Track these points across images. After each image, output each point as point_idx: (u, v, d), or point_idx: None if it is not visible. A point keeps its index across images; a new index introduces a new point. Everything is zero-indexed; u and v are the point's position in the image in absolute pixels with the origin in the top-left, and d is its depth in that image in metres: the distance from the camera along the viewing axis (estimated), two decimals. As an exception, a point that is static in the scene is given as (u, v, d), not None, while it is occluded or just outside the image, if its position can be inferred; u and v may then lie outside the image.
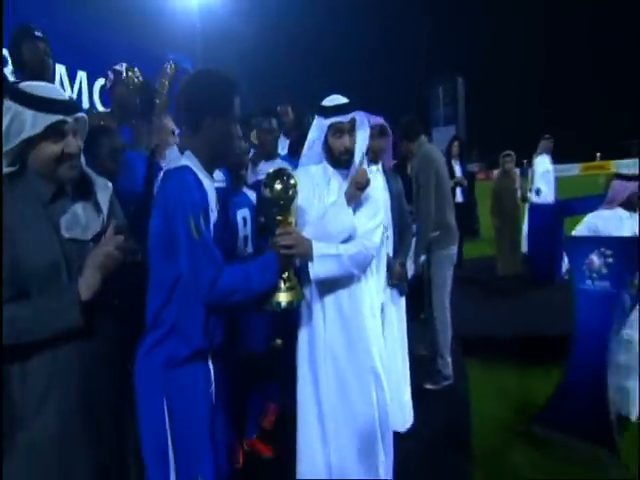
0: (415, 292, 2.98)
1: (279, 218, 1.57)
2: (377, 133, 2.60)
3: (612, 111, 60.87)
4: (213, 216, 1.48)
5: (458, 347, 3.76)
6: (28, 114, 1.23)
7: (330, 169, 1.89)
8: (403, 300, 2.72)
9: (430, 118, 11.71)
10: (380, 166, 2.70)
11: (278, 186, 1.52)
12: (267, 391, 2.53)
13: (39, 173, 1.30)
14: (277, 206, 1.56)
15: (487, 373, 3.48)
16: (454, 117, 10.94)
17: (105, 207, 1.43)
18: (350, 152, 1.84)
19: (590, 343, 2.47)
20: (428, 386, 3.20)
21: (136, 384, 1.44)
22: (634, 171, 3.94)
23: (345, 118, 1.79)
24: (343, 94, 1.88)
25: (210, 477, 1.46)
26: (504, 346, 3.69)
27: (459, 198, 5.75)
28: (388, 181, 2.68)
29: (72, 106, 1.33)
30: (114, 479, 1.40)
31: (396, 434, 2.11)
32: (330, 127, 1.82)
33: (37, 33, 2.21)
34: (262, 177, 1.68)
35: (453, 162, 5.82)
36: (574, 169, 29.61)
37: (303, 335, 1.90)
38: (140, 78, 2.26)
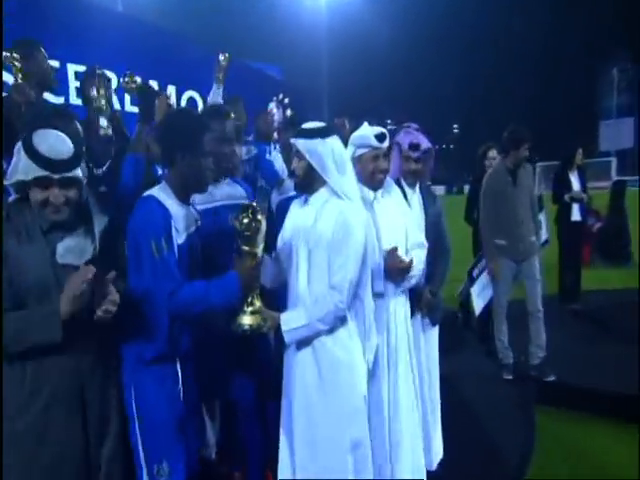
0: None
1: (245, 249, 1.76)
2: (424, 156, 2.65)
3: None
4: (180, 236, 1.82)
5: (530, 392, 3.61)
6: (26, 161, 1.52)
7: None
8: (435, 331, 2.70)
9: (601, 109, 10.47)
10: (417, 188, 2.72)
11: (245, 220, 1.73)
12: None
13: (36, 208, 1.57)
14: (243, 237, 1.76)
15: (567, 430, 3.18)
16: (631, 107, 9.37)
17: (97, 236, 1.68)
18: None
19: None
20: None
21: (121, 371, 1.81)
22: None
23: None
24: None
25: (176, 462, 1.81)
26: (602, 403, 3.32)
27: (576, 216, 5.33)
28: (424, 201, 2.68)
29: (64, 165, 1.55)
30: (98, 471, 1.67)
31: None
32: None
33: (98, 71, 2.77)
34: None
35: (570, 174, 5.40)
36: None
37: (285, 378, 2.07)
38: (137, 82, 2.54)
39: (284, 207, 2.35)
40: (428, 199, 2.75)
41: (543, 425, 3.25)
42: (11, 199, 1.63)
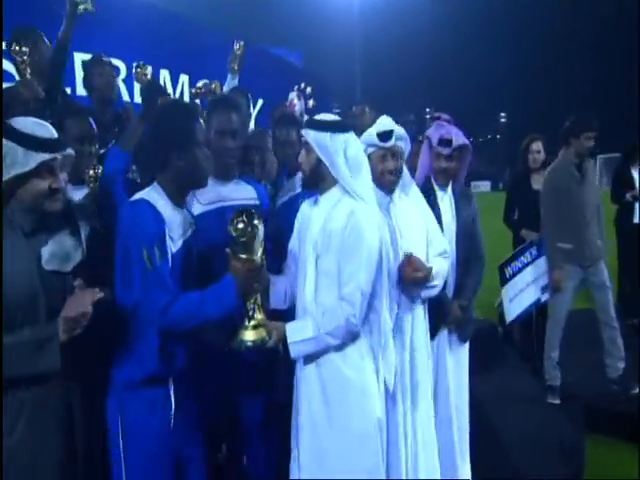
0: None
1: (242, 257, 1.68)
2: (458, 153, 2.49)
3: None
4: (175, 243, 1.71)
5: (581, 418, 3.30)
6: (20, 151, 1.43)
7: None
8: (465, 349, 2.54)
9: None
10: (450, 188, 2.56)
11: (240, 225, 1.65)
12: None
13: (25, 206, 1.48)
14: (239, 244, 1.68)
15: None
16: None
17: (84, 237, 1.62)
18: None
19: None
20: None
21: (106, 401, 1.70)
22: None
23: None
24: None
25: None
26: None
27: (638, 218, 4.90)
28: (457, 204, 2.52)
29: (60, 144, 1.53)
30: None
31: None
32: None
33: (105, 59, 2.74)
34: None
35: (632, 170, 4.98)
36: None
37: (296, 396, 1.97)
38: (148, 74, 2.49)
39: (288, 210, 2.26)
40: (461, 201, 2.57)
41: (595, 457, 2.98)
42: None
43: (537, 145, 4.15)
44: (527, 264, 3.69)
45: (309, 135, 1.87)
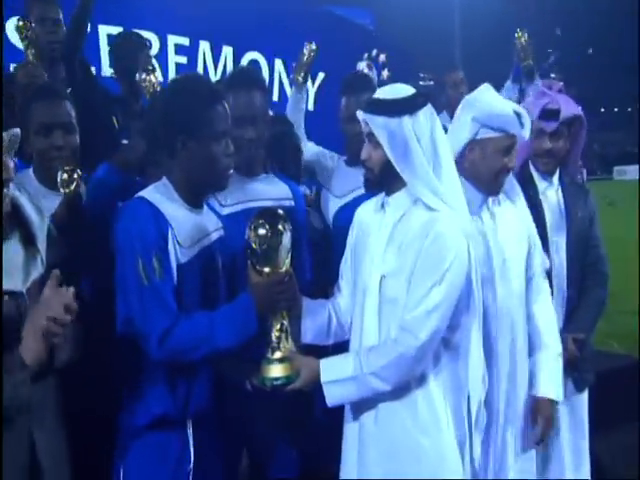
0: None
1: (265, 270, 1.54)
2: (567, 130, 2.18)
3: None
4: (185, 253, 1.54)
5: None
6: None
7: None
8: (584, 398, 2.20)
9: None
10: (557, 178, 2.23)
11: (261, 230, 1.50)
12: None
13: None
14: (260, 254, 1.54)
15: None
16: None
17: (42, 244, 1.43)
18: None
19: None
20: None
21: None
22: None
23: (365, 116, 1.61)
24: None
25: None
26: None
27: None
28: (566, 199, 2.22)
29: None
30: None
31: None
32: None
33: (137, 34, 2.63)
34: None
35: None
36: None
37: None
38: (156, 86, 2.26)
39: (347, 215, 2.00)
40: (574, 196, 2.26)
41: None
42: None
43: None
44: None
45: (374, 122, 1.59)
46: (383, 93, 1.63)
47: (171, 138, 1.56)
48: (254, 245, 1.53)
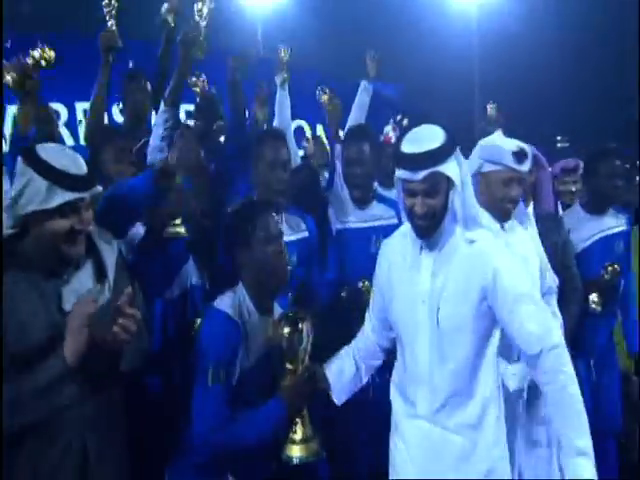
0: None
1: (289, 367, 1.68)
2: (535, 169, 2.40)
3: None
4: (253, 354, 1.75)
5: None
6: (43, 184, 1.33)
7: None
8: None
9: None
10: (531, 210, 2.38)
11: (286, 329, 1.63)
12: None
13: (41, 246, 1.39)
14: (284, 351, 1.67)
15: None
16: None
17: (111, 272, 1.51)
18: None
19: None
20: None
21: None
22: None
23: (415, 176, 1.52)
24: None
25: None
26: None
27: None
28: (542, 235, 2.23)
29: (89, 180, 1.42)
30: None
31: None
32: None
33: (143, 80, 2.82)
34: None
35: None
36: None
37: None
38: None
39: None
40: (548, 230, 2.38)
41: None
42: (6, 234, 1.43)
43: None
44: None
45: (450, 171, 1.52)
46: (430, 140, 1.51)
47: (232, 249, 1.83)
48: (282, 343, 1.64)
